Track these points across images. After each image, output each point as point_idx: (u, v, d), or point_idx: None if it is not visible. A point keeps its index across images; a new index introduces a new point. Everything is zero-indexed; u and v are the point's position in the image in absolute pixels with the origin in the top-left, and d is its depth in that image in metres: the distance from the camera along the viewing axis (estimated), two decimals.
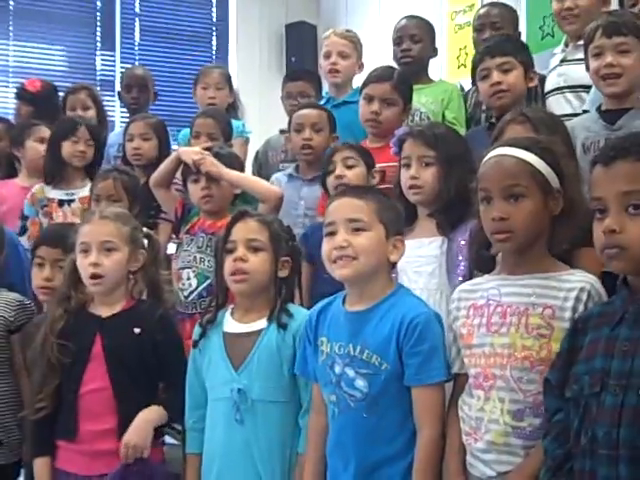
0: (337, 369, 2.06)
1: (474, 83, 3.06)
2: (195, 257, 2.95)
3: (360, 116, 3.23)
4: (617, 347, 1.55)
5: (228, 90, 4.23)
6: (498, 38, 3.07)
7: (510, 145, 1.92)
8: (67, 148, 3.64)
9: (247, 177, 3.23)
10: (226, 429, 2.27)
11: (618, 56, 2.57)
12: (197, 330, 2.41)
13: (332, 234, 2.05)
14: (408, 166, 2.47)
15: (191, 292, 2.93)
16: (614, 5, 3.27)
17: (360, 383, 2.01)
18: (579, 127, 2.66)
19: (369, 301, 2.07)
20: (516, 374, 1.80)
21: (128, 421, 2.36)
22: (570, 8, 3.25)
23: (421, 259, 2.43)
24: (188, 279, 2.94)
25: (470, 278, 2.16)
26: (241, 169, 3.22)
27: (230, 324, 2.35)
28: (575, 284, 1.80)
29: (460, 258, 2.33)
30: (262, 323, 2.29)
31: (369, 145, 3.17)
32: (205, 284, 2.90)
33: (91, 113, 4.11)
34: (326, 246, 2.07)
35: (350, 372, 2.03)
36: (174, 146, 4.39)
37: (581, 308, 1.77)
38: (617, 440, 1.49)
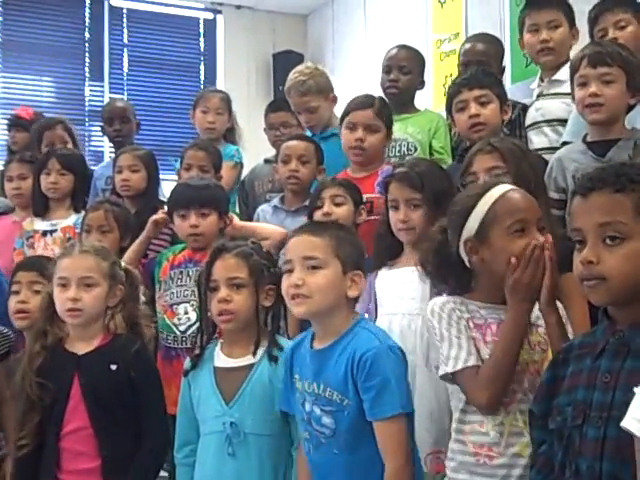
0: (307, 407, 2.06)
1: (449, 114, 3.06)
2: (193, 291, 2.90)
3: (343, 145, 3.24)
4: (598, 379, 1.55)
5: (227, 115, 4.23)
6: (474, 71, 3.07)
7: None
8: (43, 181, 3.69)
9: (256, 226, 3.25)
10: (217, 462, 2.27)
11: (602, 86, 2.59)
12: (188, 361, 2.42)
13: (289, 272, 2.05)
14: (396, 208, 2.49)
15: (189, 326, 2.91)
16: (583, 38, 3.31)
17: (327, 420, 2.02)
18: (567, 159, 2.67)
19: (332, 337, 2.06)
20: (532, 387, 1.84)
21: (111, 459, 2.34)
22: (546, 40, 3.28)
23: (404, 285, 2.45)
24: (186, 313, 2.93)
25: None
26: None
27: (220, 359, 2.36)
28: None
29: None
30: (252, 357, 2.30)
31: (352, 175, 3.19)
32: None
33: (69, 147, 4.13)
34: (284, 284, 2.06)
35: (317, 410, 2.03)
36: (171, 175, 4.42)
37: None
38: (600, 473, 1.48)
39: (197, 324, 2.83)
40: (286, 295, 2.06)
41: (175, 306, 2.96)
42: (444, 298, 1.99)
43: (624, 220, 1.53)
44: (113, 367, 2.40)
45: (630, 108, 2.66)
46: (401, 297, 2.44)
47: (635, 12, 3.09)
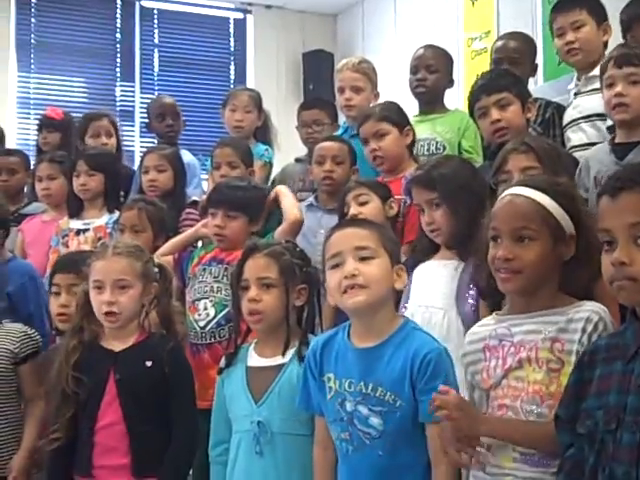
0: (349, 406, 2.03)
1: (473, 119, 3.05)
2: (212, 287, 2.95)
3: (367, 159, 3.28)
4: (632, 383, 1.52)
5: (257, 113, 4.21)
6: (491, 75, 3.05)
7: (525, 185, 1.91)
8: (74, 183, 3.71)
9: (285, 197, 3.28)
10: (246, 461, 2.28)
11: (628, 86, 2.59)
12: (222, 360, 2.44)
13: (338, 265, 2.04)
14: (422, 211, 2.49)
15: (209, 321, 2.93)
16: (616, 34, 3.28)
17: (375, 421, 1.99)
18: (594, 160, 2.66)
19: (377, 335, 2.05)
20: (526, 407, 1.79)
21: (141, 456, 2.37)
22: (571, 42, 3.26)
23: (433, 278, 2.44)
24: (205, 309, 2.94)
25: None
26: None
27: (252, 358, 2.37)
28: (582, 315, 1.79)
29: (472, 283, 2.31)
30: (282, 357, 2.31)
31: (383, 178, 3.21)
32: (223, 312, 2.91)
33: (113, 141, 4.16)
34: (333, 278, 2.04)
35: (363, 410, 2.01)
36: (204, 175, 4.45)
37: (585, 339, 1.75)
38: (637, 479, 1.46)
39: (216, 319, 2.90)
40: (338, 289, 2.03)
41: (197, 302, 2.97)
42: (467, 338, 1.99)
43: None
44: (148, 364, 2.43)
45: None
46: (427, 290, 2.42)
47: None
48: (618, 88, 2.59)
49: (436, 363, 1.96)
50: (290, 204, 3.19)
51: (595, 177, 2.60)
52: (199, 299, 2.97)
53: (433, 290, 2.41)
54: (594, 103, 3.12)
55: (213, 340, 2.90)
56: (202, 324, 2.94)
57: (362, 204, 2.89)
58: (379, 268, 2.03)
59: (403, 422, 1.97)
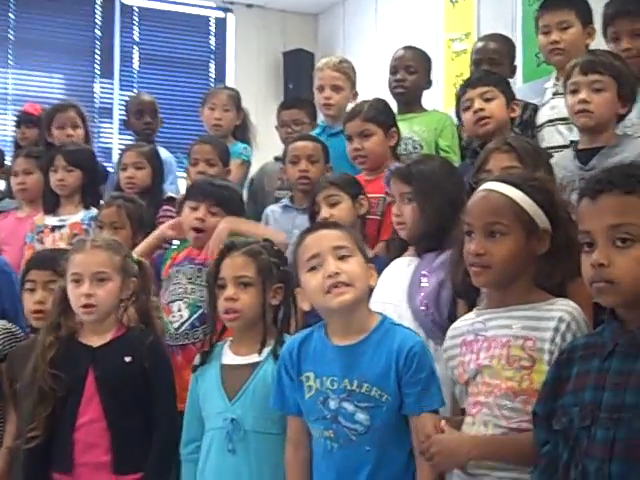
0: (332, 404, 2.03)
1: (458, 117, 3.09)
2: (186, 288, 2.93)
3: (348, 156, 3.29)
4: (608, 380, 1.53)
5: (236, 112, 4.22)
6: (478, 72, 3.14)
7: (500, 180, 1.92)
8: (51, 178, 3.69)
9: (258, 228, 3.19)
10: (218, 459, 2.27)
11: (592, 93, 2.61)
12: (197, 357, 2.44)
13: (316, 267, 2.04)
14: (395, 203, 2.51)
15: (182, 323, 2.90)
16: (598, 38, 3.30)
17: (361, 416, 2.00)
18: (558, 166, 2.66)
19: (356, 332, 2.06)
20: (500, 402, 1.81)
21: (122, 454, 2.37)
22: (556, 41, 3.29)
23: (393, 275, 2.47)
24: (179, 310, 2.92)
25: (434, 303, 2.21)
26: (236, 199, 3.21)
27: (228, 356, 2.37)
28: (555, 313, 1.80)
29: (424, 273, 2.36)
30: (257, 355, 2.31)
31: (364, 177, 3.21)
32: (197, 314, 2.88)
33: (80, 132, 4.10)
34: (314, 279, 2.04)
35: (349, 406, 2.01)
36: (181, 172, 4.43)
37: (558, 339, 1.77)
38: (609, 475, 1.47)
39: (189, 321, 2.87)
40: (320, 289, 2.03)
41: (171, 304, 2.95)
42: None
43: (635, 221, 1.53)
44: (127, 359, 2.43)
45: (621, 117, 2.67)
46: (381, 286, 2.42)
47: None
48: (582, 95, 2.61)
49: (420, 356, 1.99)
50: (272, 230, 3.16)
51: (560, 183, 2.61)
52: (173, 301, 2.95)
53: (390, 286, 2.43)
54: None
55: (187, 342, 2.87)
56: (176, 326, 2.91)
57: (333, 205, 2.89)
58: (358, 265, 2.06)
59: (389, 416, 1.99)
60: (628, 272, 1.52)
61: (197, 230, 2.99)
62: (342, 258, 2.04)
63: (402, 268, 2.45)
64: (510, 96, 2.98)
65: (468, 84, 3.00)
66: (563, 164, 2.66)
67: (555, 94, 3.31)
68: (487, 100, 2.92)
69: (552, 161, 2.72)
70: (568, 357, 1.66)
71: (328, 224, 2.21)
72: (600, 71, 2.60)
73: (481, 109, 2.90)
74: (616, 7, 3.12)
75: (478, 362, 1.87)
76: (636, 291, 1.53)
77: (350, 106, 3.82)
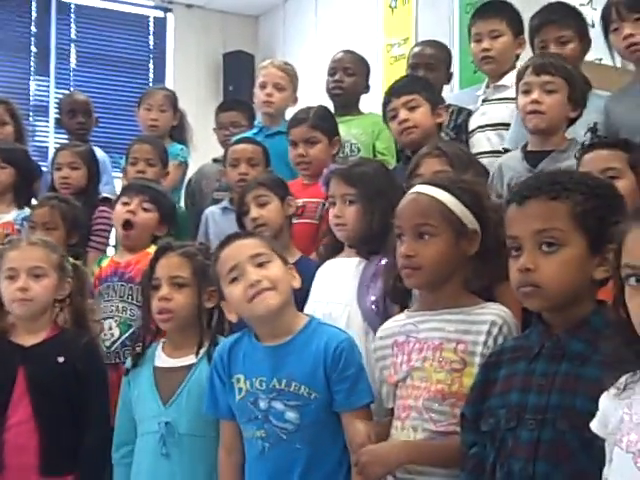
0: (262, 404, 2.05)
1: (387, 124, 3.10)
2: (118, 307, 2.91)
3: (290, 161, 3.28)
4: (533, 382, 1.56)
5: (172, 112, 4.19)
6: (402, 79, 3.13)
7: (428, 183, 1.95)
8: None
9: None
10: (152, 463, 2.26)
11: (544, 94, 2.63)
12: (129, 360, 2.42)
13: (237, 278, 2.05)
14: (334, 204, 2.50)
15: (114, 342, 2.87)
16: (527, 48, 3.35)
17: (291, 415, 2.02)
18: (505, 166, 2.70)
19: (284, 333, 2.08)
20: (428, 405, 1.82)
21: (50, 456, 2.33)
22: (487, 49, 3.33)
23: (335, 275, 2.47)
24: (110, 329, 2.89)
25: (383, 303, 2.22)
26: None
27: (161, 359, 2.36)
28: (487, 317, 1.83)
29: (373, 274, 2.36)
30: (192, 358, 2.30)
31: (302, 182, 3.22)
32: (128, 332, 2.87)
33: (8, 129, 3.99)
34: (237, 290, 2.05)
35: (279, 406, 2.03)
36: (117, 173, 4.37)
37: (491, 342, 1.79)
38: (533, 475, 1.50)
39: (120, 340, 2.85)
40: (244, 299, 2.04)
41: (102, 321, 2.89)
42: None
43: (560, 227, 1.56)
44: (60, 359, 2.40)
45: (572, 122, 2.70)
46: (328, 287, 2.46)
47: (577, 28, 3.11)
48: (534, 95, 2.63)
49: (348, 353, 2.02)
50: None
51: (508, 184, 2.64)
52: (105, 319, 2.91)
53: (335, 286, 2.44)
54: (501, 112, 3.21)
55: (117, 360, 2.83)
56: (107, 344, 2.87)
57: (262, 205, 2.87)
58: (278, 269, 2.08)
59: (318, 413, 2.01)
60: (554, 277, 1.55)
61: (126, 224, 2.96)
62: (261, 265, 2.06)
63: (350, 269, 2.44)
64: (435, 101, 2.99)
65: (392, 92, 2.99)
66: (511, 165, 2.69)
67: (485, 101, 3.37)
68: (411, 109, 2.92)
69: (500, 161, 2.78)
70: (496, 360, 1.69)
71: (241, 234, 2.22)
72: (552, 72, 2.62)
73: (405, 120, 2.91)
74: (541, 17, 3.17)
75: (410, 364, 1.88)
76: (561, 295, 1.57)
77: (289, 111, 3.84)
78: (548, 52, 2.97)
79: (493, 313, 1.83)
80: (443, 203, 1.87)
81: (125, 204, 2.99)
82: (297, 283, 2.13)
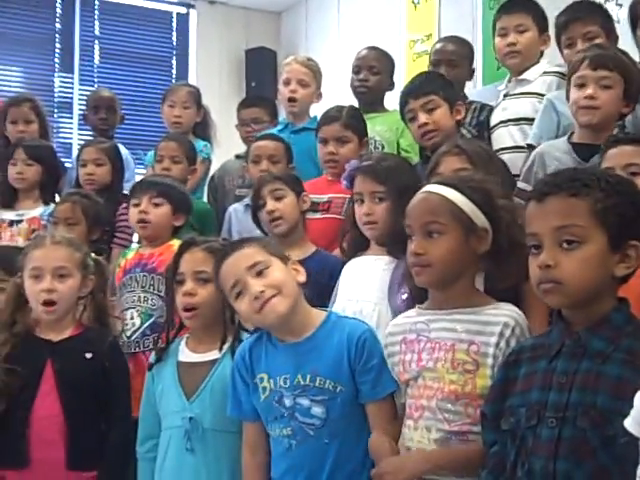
0: (287, 402, 2.05)
1: (405, 123, 3.08)
2: (139, 297, 2.94)
3: (319, 159, 3.28)
4: (554, 380, 1.56)
5: (196, 109, 4.22)
6: (419, 78, 3.08)
7: (438, 182, 1.96)
8: (9, 171, 3.65)
9: None
10: (177, 458, 2.26)
11: (599, 89, 2.58)
12: (153, 355, 2.43)
13: (241, 292, 2.05)
14: (361, 201, 2.49)
15: (134, 331, 2.90)
16: (553, 44, 3.34)
17: (317, 410, 2.01)
18: (549, 156, 2.66)
19: (302, 330, 2.08)
20: (442, 405, 1.82)
21: (77, 450, 2.34)
22: (512, 44, 3.32)
23: (364, 273, 2.46)
24: (132, 319, 2.92)
25: (413, 302, 2.19)
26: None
27: (184, 353, 2.36)
28: (500, 318, 1.83)
29: (404, 278, 2.33)
30: (216, 353, 2.30)
31: (327, 177, 3.23)
32: (149, 322, 2.90)
33: (33, 127, 4.04)
34: (243, 305, 2.05)
35: (304, 402, 2.02)
36: (141, 169, 4.40)
37: (503, 344, 1.79)
38: (554, 473, 1.50)
39: (141, 329, 2.88)
40: (252, 311, 2.04)
41: (124, 312, 2.94)
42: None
43: (580, 223, 1.55)
44: (88, 355, 2.41)
45: (622, 117, 2.66)
46: (358, 284, 2.45)
47: (603, 24, 3.10)
48: (589, 90, 2.58)
49: (370, 343, 2.03)
50: None
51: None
52: (127, 309, 2.94)
53: (364, 284, 2.43)
54: (524, 107, 3.19)
55: (137, 350, 2.86)
56: (128, 334, 2.90)
57: (278, 199, 2.89)
58: (279, 271, 2.07)
59: (344, 406, 2.01)
60: (574, 273, 1.55)
61: (141, 222, 3.00)
62: (260, 273, 2.04)
63: (380, 267, 2.43)
64: (453, 99, 2.96)
65: (408, 93, 2.96)
66: (556, 155, 2.65)
67: (506, 95, 3.36)
68: (430, 110, 2.90)
69: (540, 150, 2.73)
70: (516, 358, 1.69)
71: (235, 245, 2.17)
72: (609, 67, 2.57)
73: (425, 123, 2.89)
74: (568, 15, 3.17)
75: (420, 364, 1.89)
76: (582, 292, 1.56)
77: (314, 107, 3.85)
78: (604, 44, 2.89)
79: (506, 314, 1.83)
80: (452, 201, 1.88)
81: (136, 205, 3.03)
82: (302, 277, 2.11)
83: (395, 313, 2.31)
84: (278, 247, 2.20)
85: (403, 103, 2.99)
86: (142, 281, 2.94)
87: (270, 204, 2.88)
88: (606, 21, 3.14)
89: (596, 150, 2.53)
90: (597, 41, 3.03)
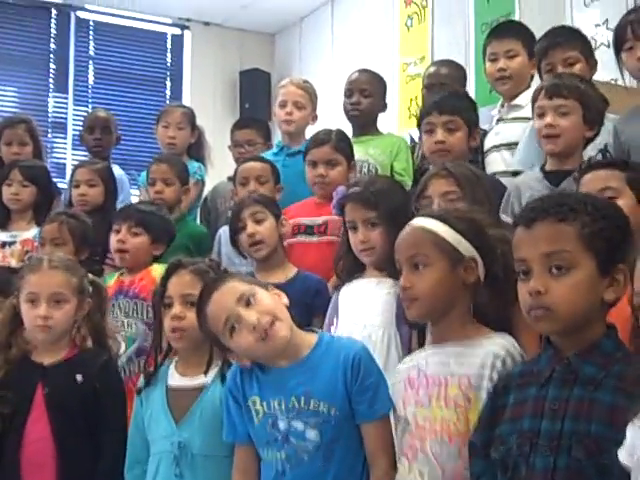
0: (282, 425, 2.02)
1: (420, 132, 3.07)
2: (123, 322, 2.93)
3: (307, 181, 3.28)
4: (546, 407, 1.55)
5: (190, 130, 4.23)
6: (447, 94, 3.07)
7: (423, 215, 1.97)
8: (4, 192, 3.66)
9: None
10: None
11: (558, 117, 2.62)
12: (141, 379, 2.40)
13: (235, 328, 1.99)
14: (355, 229, 2.48)
15: (119, 356, 2.86)
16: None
17: (311, 433, 1.98)
18: (524, 186, 2.69)
19: (295, 354, 2.05)
20: (435, 448, 1.79)
21: (68, 474, 2.33)
22: (503, 69, 3.36)
23: (368, 296, 2.45)
24: None
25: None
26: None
27: (174, 378, 2.34)
28: (490, 348, 1.80)
29: None
30: (205, 376, 2.28)
31: (317, 200, 3.24)
32: (133, 347, 2.89)
33: (28, 149, 4.04)
34: (242, 339, 1.99)
35: (298, 425, 2.00)
36: (134, 190, 4.40)
37: (495, 376, 1.77)
38: None
39: (127, 354, 2.86)
40: (256, 340, 1.99)
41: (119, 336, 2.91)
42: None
43: (569, 249, 1.56)
44: (79, 378, 2.40)
45: (589, 141, 2.69)
46: (363, 308, 2.44)
47: (582, 50, 3.13)
48: (548, 119, 2.62)
49: (366, 361, 2.00)
50: None
51: (527, 203, 2.63)
52: None
53: (369, 308, 2.42)
54: (516, 131, 3.21)
55: (124, 375, 2.82)
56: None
57: (258, 222, 2.90)
58: (267, 298, 2.04)
59: (339, 429, 1.98)
60: (564, 299, 1.54)
61: (119, 252, 3.03)
62: (249, 304, 2.01)
63: (375, 289, 2.43)
64: (474, 125, 2.96)
65: (435, 106, 2.92)
66: (530, 185, 2.67)
67: (499, 120, 3.39)
68: (450, 130, 2.87)
69: (517, 181, 2.76)
70: (504, 385, 1.67)
71: (215, 284, 2.10)
72: (565, 95, 2.61)
73: (442, 141, 2.86)
74: (547, 41, 3.19)
75: (416, 400, 1.87)
76: (573, 318, 1.56)
77: (309, 129, 3.86)
78: (561, 73, 2.95)
79: (497, 344, 1.81)
80: (435, 232, 1.87)
81: (116, 232, 3.05)
82: (286, 300, 2.09)
83: (404, 339, 2.32)
84: (252, 278, 2.19)
85: (425, 114, 2.96)
86: (125, 307, 2.95)
87: (250, 227, 2.89)
88: (585, 46, 3.18)
89: (565, 176, 2.57)
90: (577, 66, 3.08)
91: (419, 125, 3.02)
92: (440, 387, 1.82)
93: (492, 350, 1.80)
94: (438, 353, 1.88)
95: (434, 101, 2.99)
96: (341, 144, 3.24)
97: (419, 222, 1.92)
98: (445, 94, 3.08)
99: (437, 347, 1.90)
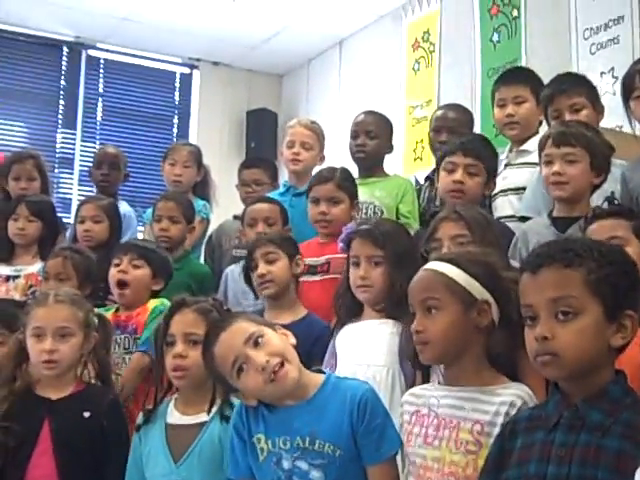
0: (286, 464, 2.00)
1: (436, 172, 3.06)
2: (123, 358, 2.92)
3: (309, 218, 3.29)
4: (553, 452, 1.54)
5: (196, 168, 4.26)
6: (473, 137, 3.09)
7: (436, 259, 1.97)
8: (10, 227, 3.67)
9: None
10: None
11: (565, 165, 2.64)
12: (141, 416, 2.39)
13: (243, 369, 1.99)
14: (357, 265, 2.49)
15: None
16: None
17: (315, 474, 1.96)
18: (531, 232, 2.70)
19: (302, 394, 2.04)
20: None
21: None
22: (511, 115, 3.39)
23: (369, 337, 2.45)
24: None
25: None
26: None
27: (173, 416, 2.33)
28: (506, 398, 1.79)
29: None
30: (205, 415, 2.27)
31: (320, 240, 3.25)
32: None
33: (36, 185, 4.07)
34: (251, 380, 1.98)
35: (303, 465, 1.98)
36: (140, 227, 4.41)
37: None
38: None
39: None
40: (264, 382, 1.98)
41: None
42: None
43: (575, 294, 1.55)
44: (86, 414, 2.38)
45: (596, 187, 2.71)
46: (366, 349, 2.43)
47: (588, 95, 3.15)
48: (555, 167, 2.64)
49: (372, 402, 1.99)
50: None
51: (534, 249, 2.64)
52: None
53: (372, 349, 2.42)
54: (523, 176, 3.23)
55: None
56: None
57: (270, 262, 2.90)
58: (275, 338, 2.04)
59: (343, 470, 1.96)
60: (571, 345, 1.54)
61: (120, 283, 3.01)
62: (258, 344, 2.01)
63: (377, 329, 2.44)
64: (492, 174, 2.97)
65: (461, 148, 2.93)
66: (537, 230, 2.69)
67: (507, 165, 3.40)
68: (470, 174, 2.88)
69: (524, 227, 2.78)
70: (511, 429, 1.66)
71: (223, 324, 2.09)
72: (572, 143, 2.63)
73: (460, 182, 2.87)
74: (553, 88, 3.22)
75: (425, 439, 1.85)
76: (579, 363, 1.55)
77: (316, 169, 3.88)
78: (568, 121, 2.98)
79: (513, 393, 1.79)
80: (447, 275, 1.87)
81: (117, 265, 3.05)
82: (293, 340, 2.09)
83: (407, 377, 2.31)
84: (259, 318, 2.18)
85: (449, 152, 2.96)
86: (124, 343, 2.94)
87: (262, 267, 2.89)
88: (591, 92, 3.20)
89: (573, 222, 2.57)
90: (584, 112, 3.10)
91: (438, 164, 3.03)
92: (452, 430, 1.81)
93: (509, 399, 1.78)
94: (450, 395, 1.86)
95: (460, 141, 3.01)
96: (345, 182, 3.26)
97: (432, 265, 1.93)
98: (471, 137, 3.11)
99: (449, 389, 1.88)
